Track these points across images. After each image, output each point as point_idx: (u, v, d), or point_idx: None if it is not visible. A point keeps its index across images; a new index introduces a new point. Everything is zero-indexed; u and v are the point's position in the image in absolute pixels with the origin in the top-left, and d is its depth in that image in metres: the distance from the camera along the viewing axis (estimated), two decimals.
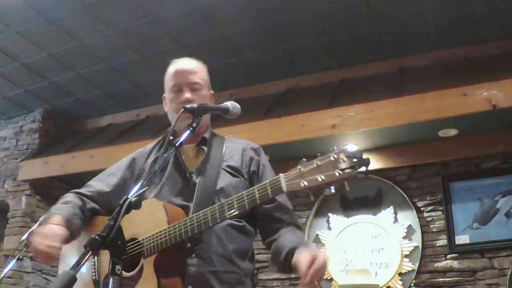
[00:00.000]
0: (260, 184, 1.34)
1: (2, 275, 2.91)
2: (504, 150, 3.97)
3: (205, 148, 1.70)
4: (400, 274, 3.99)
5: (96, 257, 1.65)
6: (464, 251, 3.88)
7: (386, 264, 4.06)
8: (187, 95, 1.69)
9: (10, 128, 5.98)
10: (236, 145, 1.75)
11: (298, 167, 1.23)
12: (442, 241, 3.98)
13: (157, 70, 4.90)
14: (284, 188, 1.26)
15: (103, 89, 5.39)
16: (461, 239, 3.91)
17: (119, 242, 1.14)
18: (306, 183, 1.20)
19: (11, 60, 4.90)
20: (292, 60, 4.66)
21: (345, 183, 1.17)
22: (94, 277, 1.63)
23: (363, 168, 1.15)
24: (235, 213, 1.36)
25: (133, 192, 1.22)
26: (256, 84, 4.92)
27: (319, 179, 1.18)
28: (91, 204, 1.72)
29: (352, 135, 4.06)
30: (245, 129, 4.20)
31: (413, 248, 4.04)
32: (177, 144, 1.39)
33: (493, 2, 3.77)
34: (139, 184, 1.27)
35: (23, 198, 5.35)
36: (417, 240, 4.05)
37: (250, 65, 4.68)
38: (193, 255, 1.49)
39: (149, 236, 1.48)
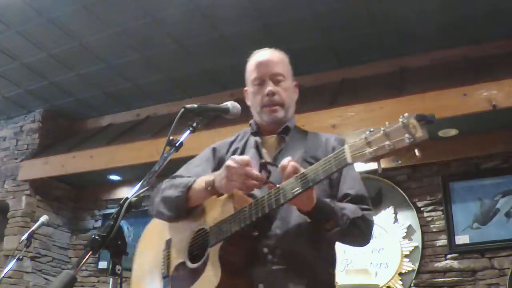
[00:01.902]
0: (325, 158, 1.24)
1: (2, 275, 2.92)
2: (504, 150, 3.97)
3: (285, 137, 1.65)
4: (400, 274, 3.99)
5: (165, 252, 1.64)
6: (464, 251, 3.88)
7: (386, 264, 4.06)
8: (270, 87, 1.65)
9: (10, 128, 5.99)
10: (319, 137, 1.68)
11: (364, 135, 1.12)
12: (442, 241, 3.98)
13: (157, 70, 4.95)
14: (349, 160, 1.15)
15: (103, 89, 5.39)
16: (461, 239, 3.91)
17: (119, 242, 1.14)
18: (372, 152, 1.09)
19: (11, 60, 4.91)
20: (292, 60, 4.65)
21: (416, 150, 1.06)
22: (163, 271, 1.62)
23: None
24: (299, 191, 1.27)
25: (133, 192, 1.22)
26: None
27: (387, 146, 1.07)
28: None
29: (352, 135, 4.06)
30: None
31: (413, 248, 4.03)
32: (177, 144, 1.38)
33: (493, 2, 3.77)
34: (139, 184, 1.26)
35: (23, 198, 5.36)
36: (417, 240, 4.05)
37: None
38: (266, 250, 1.42)
39: (215, 224, 1.44)
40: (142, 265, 1.75)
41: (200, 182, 1.52)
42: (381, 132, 1.09)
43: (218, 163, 1.69)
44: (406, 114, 1.07)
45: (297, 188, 1.27)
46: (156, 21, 4.24)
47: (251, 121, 1.75)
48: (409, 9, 3.93)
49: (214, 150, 1.77)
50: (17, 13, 4.21)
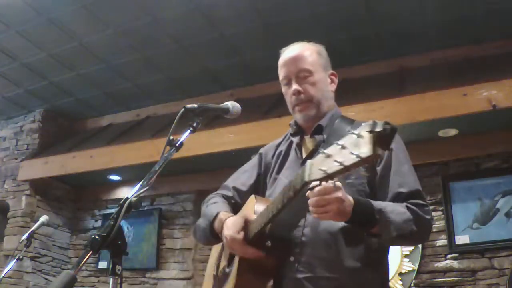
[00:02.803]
0: (297, 173, 1.20)
1: (2, 275, 2.92)
2: (504, 150, 3.96)
3: (317, 137, 1.58)
4: (400, 274, 3.99)
5: (220, 253, 1.68)
6: (464, 251, 3.88)
7: None
8: (295, 86, 1.59)
9: (10, 128, 5.99)
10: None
11: (321, 149, 1.06)
12: (442, 241, 3.98)
13: (157, 70, 4.95)
14: (306, 178, 1.10)
15: (103, 89, 5.39)
16: (461, 239, 3.91)
17: (119, 242, 1.13)
18: (325, 171, 1.01)
19: (11, 60, 4.90)
20: None
21: (363, 166, 0.97)
22: (214, 272, 1.66)
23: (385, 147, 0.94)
24: (277, 212, 1.27)
25: (133, 192, 1.22)
26: (256, 84, 4.92)
27: (335, 165, 0.99)
28: (234, 201, 1.71)
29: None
30: (245, 129, 4.20)
31: (413, 248, 4.03)
32: (177, 144, 1.37)
33: (493, 2, 3.77)
34: (139, 184, 1.26)
35: (23, 198, 5.36)
36: None
37: (250, 65, 4.68)
38: (292, 258, 1.41)
39: None
40: (210, 262, 1.83)
41: (221, 217, 1.54)
42: (338, 145, 1.00)
43: (265, 168, 1.70)
44: (363, 123, 0.99)
45: (280, 207, 1.27)
46: (156, 21, 4.23)
47: (291, 121, 1.70)
48: (409, 9, 3.92)
49: (260, 155, 1.76)
50: (17, 13, 4.21)
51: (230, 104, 1.59)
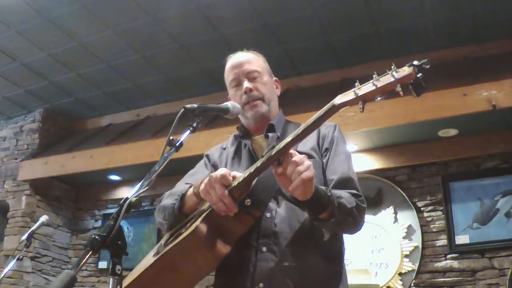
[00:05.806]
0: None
1: (2, 275, 2.91)
2: (504, 150, 3.97)
3: (271, 134, 1.61)
4: (400, 274, 3.99)
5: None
6: (464, 251, 3.88)
7: (386, 264, 4.06)
8: (246, 84, 1.64)
9: (10, 128, 5.99)
10: None
11: (352, 89, 1.22)
12: (442, 241, 3.98)
13: (157, 70, 4.96)
14: (337, 101, 1.24)
15: (103, 89, 5.39)
16: (461, 239, 3.91)
17: (119, 242, 1.13)
18: (359, 93, 1.19)
19: (11, 60, 4.90)
20: (292, 60, 4.67)
21: (398, 85, 1.17)
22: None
23: (420, 74, 1.15)
24: (288, 141, 1.28)
25: (133, 192, 1.22)
26: None
27: (373, 86, 1.17)
28: None
29: (352, 135, 4.06)
30: None
31: (413, 248, 4.04)
32: (177, 144, 1.37)
33: (493, 2, 3.77)
34: (139, 184, 1.26)
35: (23, 198, 5.36)
36: (417, 240, 4.05)
37: None
38: (265, 248, 1.43)
39: None
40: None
41: (199, 181, 1.51)
42: (370, 82, 1.18)
43: (213, 168, 1.69)
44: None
45: (288, 140, 1.28)
46: (156, 21, 4.23)
47: (238, 126, 1.73)
48: (409, 9, 3.93)
49: (207, 156, 1.77)
50: (17, 13, 4.21)
51: (230, 104, 1.58)
